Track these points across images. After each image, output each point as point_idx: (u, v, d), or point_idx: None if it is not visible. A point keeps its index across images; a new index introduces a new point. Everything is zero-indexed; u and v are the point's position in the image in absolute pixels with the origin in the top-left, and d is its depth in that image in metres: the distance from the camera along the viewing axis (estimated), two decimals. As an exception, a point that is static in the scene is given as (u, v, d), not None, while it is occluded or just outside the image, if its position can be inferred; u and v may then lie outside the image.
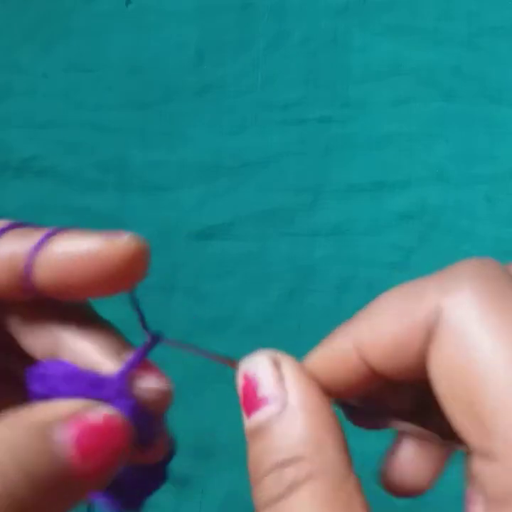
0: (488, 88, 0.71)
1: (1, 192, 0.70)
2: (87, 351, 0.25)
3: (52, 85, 0.72)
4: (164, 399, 0.25)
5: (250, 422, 0.24)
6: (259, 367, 0.25)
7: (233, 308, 0.68)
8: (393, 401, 0.27)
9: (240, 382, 0.25)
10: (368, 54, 0.72)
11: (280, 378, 0.24)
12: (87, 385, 0.24)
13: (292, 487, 0.23)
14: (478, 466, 0.22)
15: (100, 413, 0.23)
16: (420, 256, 0.69)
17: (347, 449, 0.23)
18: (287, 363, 0.25)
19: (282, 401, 0.24)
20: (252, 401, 0.24)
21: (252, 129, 0.71)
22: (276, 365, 0.25)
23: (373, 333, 0.24)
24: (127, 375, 0.25)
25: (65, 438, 0.21)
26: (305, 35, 0.72)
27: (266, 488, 0.23)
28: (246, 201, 0.70)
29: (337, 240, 0.70)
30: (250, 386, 0.25)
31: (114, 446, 0.22)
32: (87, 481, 0.22)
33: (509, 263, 0.24)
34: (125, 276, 0.27)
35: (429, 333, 0.23)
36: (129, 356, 0.25)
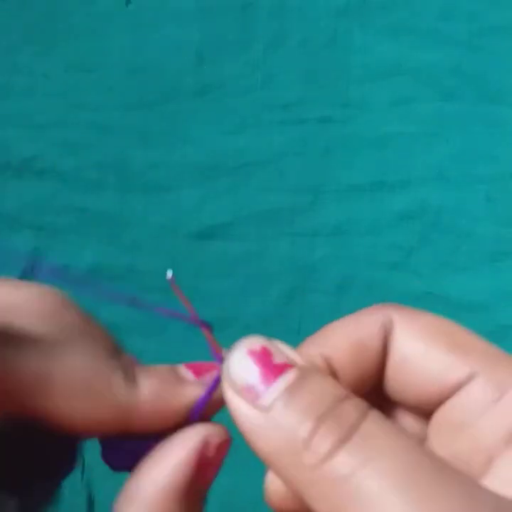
0: (488, 88, 0.71)
1: (1, 192, 0.70)
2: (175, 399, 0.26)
3: (52, 85, 0.72)
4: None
5: (277, 386, 0.23)
6: (262, 340, 0.25)
7: (233, 308, 0.68)
8: None
9: (246, 361, 0.24)
10: (368, 54, 0.72)
11: (280, 349, 0.25)
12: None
13: (360, 416, 0.22)
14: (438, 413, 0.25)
15: (216, 441, 0.25)
16: (420, 256, 0.69)
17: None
18: (277, 340, 0.25)
19: (296, 366, 0.24)
20: (272, 368, 0.24)
21: (252, 129, 0.71)
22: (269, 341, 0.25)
23: (336, 342, 0.26)
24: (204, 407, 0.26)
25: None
26: (305, 35, 0.72)
27: (340, 420, 0.22)
28: (246, 201, 0.70)
29: (337, 240, 0.70)
30: (265, 356, 0.24)
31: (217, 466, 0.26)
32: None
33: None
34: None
35: (386, 334, 0.26)
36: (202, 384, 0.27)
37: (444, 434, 0.25)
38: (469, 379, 0.24)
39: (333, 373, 0.25)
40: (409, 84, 0.71)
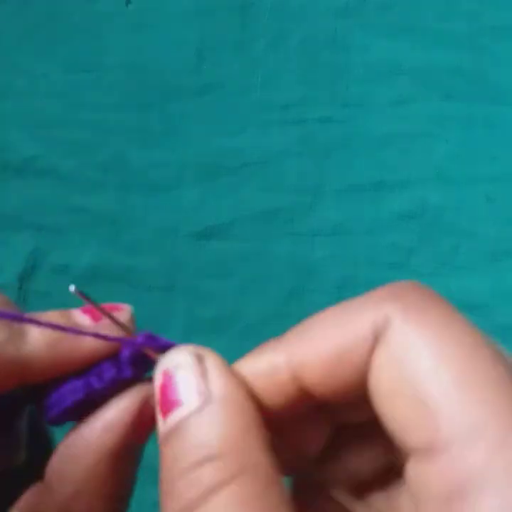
0: (488, 88, 0.71)
1: (1, 192, 0.69)
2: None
3: (52, 85, 0.72)
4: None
5: (166, 423, 0.22)
6: (181, 362, 0.23)
7: (233, 308, 0.68)
8: (310, 430, 0.25)
9: (158, 380, 0.23)
10: (368, 54, 0.72)
11: (203, 373, 0.22)
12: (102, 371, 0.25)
13: (211, 489, 0.20)
14: (419, 467, 0.20)
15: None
16: (420, 256, 0.69)
17: (273, 451, 0.21)
18: (211, 358, 0.23)
19: (204, 397, 0.22)
20: (170, 400, 0.22)
21: (252, 129, 0.71)
22: (200, 359, 0.23)
23: (311, 348, 0.22)
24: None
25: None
26: (305, 35, 0.72)
27: (181, 493, 0.20)
28: (246, 201, 0.70)
29: (337, 240, 0.70)
30: (169, 383, 0.22)
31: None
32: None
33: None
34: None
35: (377, 336, 0.22)
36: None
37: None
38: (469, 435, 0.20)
39: (301, 385, 0.22)
40: (409, 84, 0.71)
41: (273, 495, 0.20)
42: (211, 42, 0.72)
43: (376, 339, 0.22)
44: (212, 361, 0.23)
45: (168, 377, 0.23)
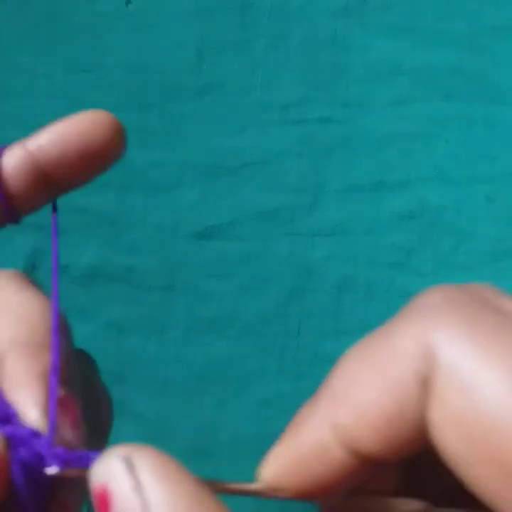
0: (488, 88, 0.71)
1: (1, 192, 0.69)
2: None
3: (52, 85, 0.72)
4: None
5: None
6: (110, 473, 0.19)
7: (233, 308, 0.68)
8: (376, 485, 0.21)
9: (93, 497, 0.19)
10: (368, 54, 0.72)
11: (136, 484, 0.18)
12: None
13: None
14: None
15: None
16: (420, 256, 0.69)
17: None
18: (143, 462, 0.19)
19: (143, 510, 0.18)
20: None
21: (252, 129, 0.71)
22: (130, 467, 0.19)
23: (355, 407, 0.19)
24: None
25: None
26: (305, 35, 0.72)
27: None
28: (246, 201, 0.70)
29: (337, 240, 0.70)
30: (103, 501, 0.19)
31: None
32: None
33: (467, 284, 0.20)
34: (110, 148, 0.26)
35: (426, 385, 0.18)
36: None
37: None
38: None
39: (356, 453, 0.19)
40: (409, 84, 0.71)
41: None
42: (211, 42, 0.72)
43: (426, 385, 0.18)
44: (145, 465, 0.19)
45: (100, 493, 0.19)
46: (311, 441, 0.20)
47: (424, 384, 0.18)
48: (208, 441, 0.65)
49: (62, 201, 0.70)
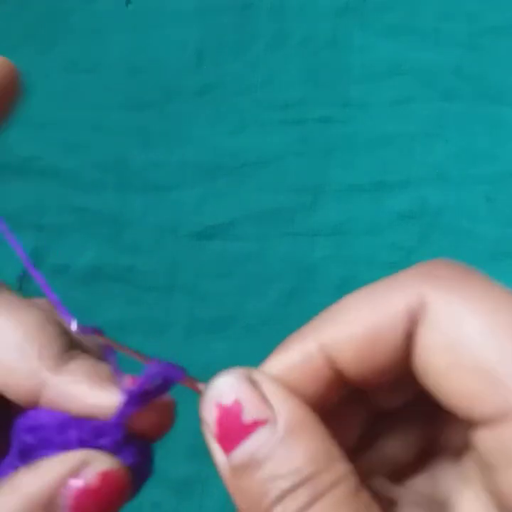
0: (488, 88, 0.71)
1: (1, 192, 0.69)
2: (77, 394, 0.23)
3: (52, 85, 0.72)
4: (166, 426, 0.24)
5: (235, 457, 0.21)
6: (236, 389, 0.21)
7: (233, 308, 0.68)
8: (346, 418, 0.24)
9: (212, 413, 0.22)
10: (368, 54, 0.72)
11: (263, 397, 0.21)
12: (83, 433, 0.23)
13: (307, 508, 0.20)
14: (494, 435, 0.20)
15: (97, 470, 0.22)
16: (420, 256, 0.69)
17: (348, 457, 0.21)
18: (265, 379, 0.22)
19: (273, 423, 0.21)
20: (235, 432, 0.21)
21: (252, 129, 0.71)
22: (253, 383, 0.22)
23: (344, 330, 0.22)
24: (125, 418, 0.23)
25: (64, 507, 0.21)
26: (305, 35, 0.72)
27: (302, 496, 0.20)
28: (246, 201, 0.70)
29: (337, 240, 0.70)
30: (230, 415, 0.21)
31: (112, 501, 0.22)
32: None
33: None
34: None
35: (412, 321, 0.21)
36: (124, 392, 0.23)
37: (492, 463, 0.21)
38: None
39: (336, 370, 0.22)
40: (409, 84, 0.71)
41: (363, 499, 0.21)
42: (211, 42, 0.72)
43: (413, 319, 0.21)
44: (268, 382, 0.22)
45: (224, 408, 0.21)
46: (299, 351, 0.22)
47: (415, 315, 0.21)
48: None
49: (63, 201, 0.71)
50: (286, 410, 0.21)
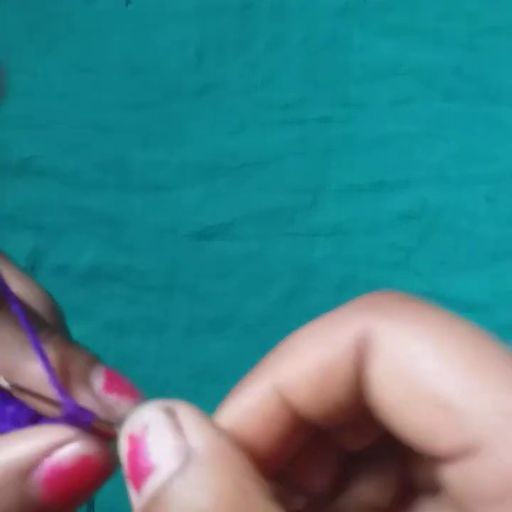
0: (488, 88, 0.71)
1: (1, 192, 0.70)
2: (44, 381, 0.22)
3: (52, 85, 0.72)
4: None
5: (143, 494, 0.19)
6: (149, 421, 0.20)
7: (233, 308, 0.68)
8: (315, 465, 0.23)
9: (124, 447, 0.20)
10: (368, 54, 0.72)
11: (177, 428, 0.19)
12: (20, 416, 0.23)
13: None
14: (461, 471, 0.19)
15: (72, 452, 0.21)
16: (420, 256, 0.69)
17: (278, 499, 0.19)
18: (183, 409, 0.20)
19: (184, 455, 0.19)
20: (142, 467, 0.19)
21: (252, 129, 0.71)
22: (170, 413, 0.20)
23: (294, 368, 0.20)
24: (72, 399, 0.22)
25: (37, 481, 0.21)
26: (305, 35, 0.72)
27: None
28: (246, 201, 0.70)
29: (337, 239, 0.70)
30: (139, 448, 0.19)
31: (86, 483, 0.21)
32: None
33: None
34: None
35: (361, 354, 0.20)
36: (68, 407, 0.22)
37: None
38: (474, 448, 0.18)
39: (293, 411, 0.21)
40: (409, 84, 0.71)
41: None
42: (211, 42, 0.72)
43: (361, 352, 0.20)
44: (186, 413, 0.20)
45: (136, 441, 0.20)
46: (253, 393, 0.21)
47: (364, 347, 0.20)
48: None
49: (63, 201, 0.71)
50: (199, 442, 0.19)
